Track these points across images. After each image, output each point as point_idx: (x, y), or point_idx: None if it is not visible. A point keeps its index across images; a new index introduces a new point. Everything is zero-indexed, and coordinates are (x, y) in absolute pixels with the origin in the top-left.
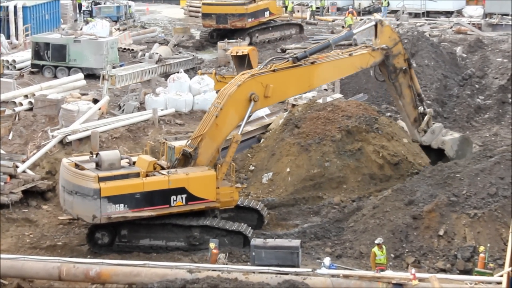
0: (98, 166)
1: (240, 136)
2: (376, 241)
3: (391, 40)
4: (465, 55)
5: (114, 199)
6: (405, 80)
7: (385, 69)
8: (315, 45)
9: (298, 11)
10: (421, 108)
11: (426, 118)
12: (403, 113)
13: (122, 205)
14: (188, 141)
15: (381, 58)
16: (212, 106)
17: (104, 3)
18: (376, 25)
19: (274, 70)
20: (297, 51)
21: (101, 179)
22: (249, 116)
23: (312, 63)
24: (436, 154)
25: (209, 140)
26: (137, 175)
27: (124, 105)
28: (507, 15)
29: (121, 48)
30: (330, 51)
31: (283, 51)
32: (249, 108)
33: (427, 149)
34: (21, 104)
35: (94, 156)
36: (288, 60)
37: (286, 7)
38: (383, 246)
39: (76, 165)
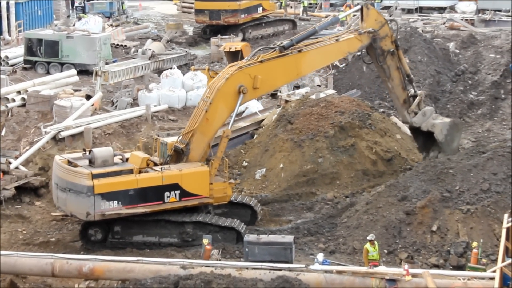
0: (91, 163)
1: (230, 131)
2: (368, 238)
3: (378, 22)
4: (458, 51)
5: (108, 196)
6: (393, 62)
7: (373, 52)
8: (301, 33)
9: (291, 7)
10: (412, 90)
11: (417, 99)
12: (393, 95)
13: (115, 202)
14: (179, 137)
15: (368, 42)
16: (201, 100)
17: None
18: (361, 9)
19: (261, 61)
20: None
21: (94, 176)
22: (240, 111)
23: (299, 51)
24: (424, 138)
25: (200, 135)
26: (131, 171)
27: (117, 101)
28: (499, 11)
29: (114, 44)
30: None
31: None
32: (238, 100)
33: (416, 132)
34: (14, 100)
35: (87, 153)
36: (275, 50)
37: (281, 4)
38: (375, 242)
39: (69, 162)
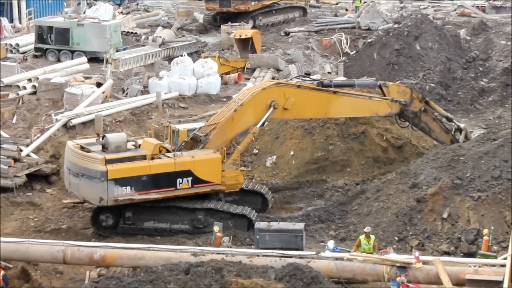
0: (104, 148)
1: (258, 129)
2: (365, 229)
3: (401, 93)
4: (469, 38)
5: (121, 182)
6: (428, 116)
7: (407, 118)
8: (341, 79)
9: None
10: (454, 126)
11: (463, 133)
12: (439, 142)
13: (128, 187)
14: (201, 127)
15: (397, 111)
16: (232, 101)
17: None
18: (380, 87)
19: (299, 86)
20: (301, 34)
21: (108, 162)
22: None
23: (335, 92)
24: None
25: (222, 131)
26: (144, 157)
27: (127, 88)
28: None
29: (124, 31)
30: None
31: (287, 34)
32: (266, 114)
33: None
34: (24, 87)
35: (101, 138)
36: (313, 82)
37: None
38: (371, 236)
39: (82, 148)
